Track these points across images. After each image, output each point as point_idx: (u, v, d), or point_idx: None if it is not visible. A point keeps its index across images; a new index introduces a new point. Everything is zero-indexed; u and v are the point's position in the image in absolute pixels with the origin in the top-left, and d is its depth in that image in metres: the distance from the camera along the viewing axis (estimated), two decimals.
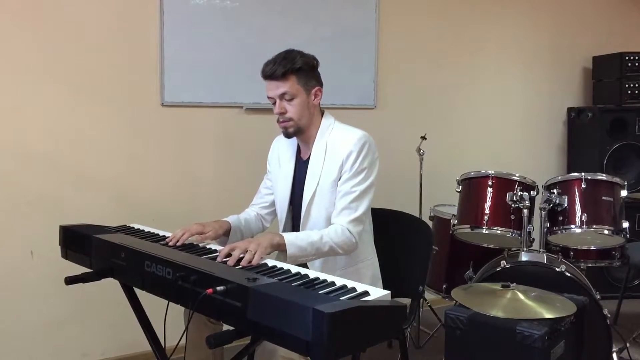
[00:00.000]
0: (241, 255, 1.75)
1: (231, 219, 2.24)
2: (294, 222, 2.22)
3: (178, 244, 1.94)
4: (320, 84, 2.13)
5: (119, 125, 2.95)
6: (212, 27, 3.12)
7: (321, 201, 2.10)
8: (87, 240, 1.97)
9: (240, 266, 1.71)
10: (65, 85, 2.81)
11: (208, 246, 1.96)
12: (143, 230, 2.17)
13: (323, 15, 3.43)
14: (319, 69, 2.14)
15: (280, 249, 1.91)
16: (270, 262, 1.77)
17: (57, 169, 2.82)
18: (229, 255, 1.76)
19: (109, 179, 2.94)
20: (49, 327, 2.84)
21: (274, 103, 2.08)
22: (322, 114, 2.18)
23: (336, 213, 2.05)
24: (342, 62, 3.48)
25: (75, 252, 2.05)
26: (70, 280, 1.93)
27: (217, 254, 1.84)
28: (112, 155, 2.94)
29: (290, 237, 1.92)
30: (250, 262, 1.73)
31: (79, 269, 1.98)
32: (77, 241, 2.04)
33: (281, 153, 2.27)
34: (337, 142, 2.10)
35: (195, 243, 1.99)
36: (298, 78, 2.04)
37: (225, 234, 2.18)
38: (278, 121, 2.10)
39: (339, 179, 2.07)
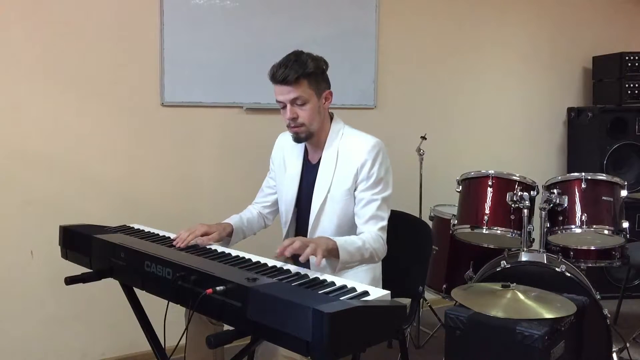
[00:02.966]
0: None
1: (233, 219, 2.22)
2: (299, 225, 2.18)
3: (182, 245, 1.92)
4: (330, 87, 2.08)
5: (118, 125, 2.95)
6: (212, 27, 3.12)
7: (332, 209, 2.06)
8: (87, 241, 1.97)
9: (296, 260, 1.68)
10: (66, 85, 2.81)
11: (212, 247, 1.96)
12: (143, 230, 2.17)
13: (323, 15, 3.42)
14: None
15: (331, 255, 1.82)
16: (270, 262, 1.76)
17: (57, 169, 2.82)
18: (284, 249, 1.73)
19: (108, 178, 2.94)
20: (49, 327, 2.84)
21: (284, 107, 2.01)
22: (331, 117, 2.14)
23: (363, 221, 2.01)
24: (342, 62, 3.47)
25: (75, 252, 2.05)
26: (70, 280, 1.93)
27: (216, 253, 1.85)
28: (112, 155, 2.94)
29: (341, 242, 1.86)
30: (311, 256, 1.70)
31: (79, 269, 1.98)
32: (77, 241, 2.04)
33: (286, 153, 2.22)
34: (349, 149, 2.06)
35: (199, 244, 1.97)
36: (310, 82, 1.97)
37: (229, 236, 2.17)
38: (289, 126, 2.04)
39: (355, 189, 2.04)
